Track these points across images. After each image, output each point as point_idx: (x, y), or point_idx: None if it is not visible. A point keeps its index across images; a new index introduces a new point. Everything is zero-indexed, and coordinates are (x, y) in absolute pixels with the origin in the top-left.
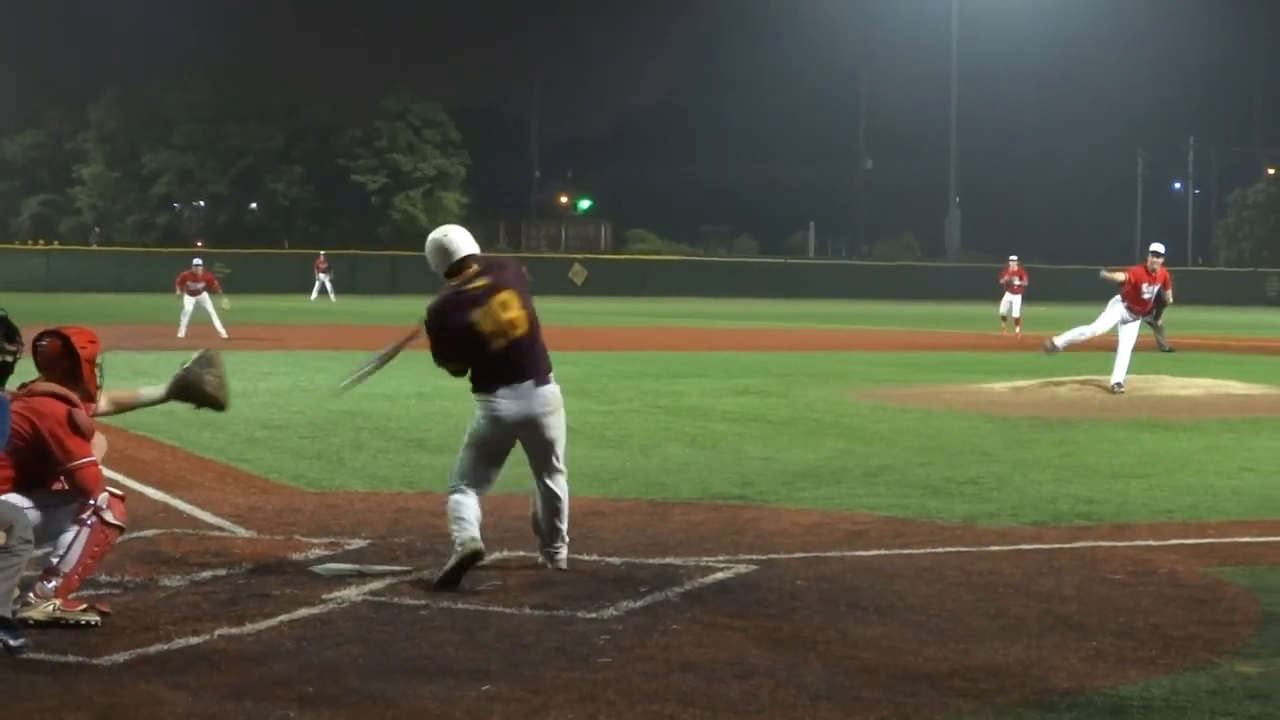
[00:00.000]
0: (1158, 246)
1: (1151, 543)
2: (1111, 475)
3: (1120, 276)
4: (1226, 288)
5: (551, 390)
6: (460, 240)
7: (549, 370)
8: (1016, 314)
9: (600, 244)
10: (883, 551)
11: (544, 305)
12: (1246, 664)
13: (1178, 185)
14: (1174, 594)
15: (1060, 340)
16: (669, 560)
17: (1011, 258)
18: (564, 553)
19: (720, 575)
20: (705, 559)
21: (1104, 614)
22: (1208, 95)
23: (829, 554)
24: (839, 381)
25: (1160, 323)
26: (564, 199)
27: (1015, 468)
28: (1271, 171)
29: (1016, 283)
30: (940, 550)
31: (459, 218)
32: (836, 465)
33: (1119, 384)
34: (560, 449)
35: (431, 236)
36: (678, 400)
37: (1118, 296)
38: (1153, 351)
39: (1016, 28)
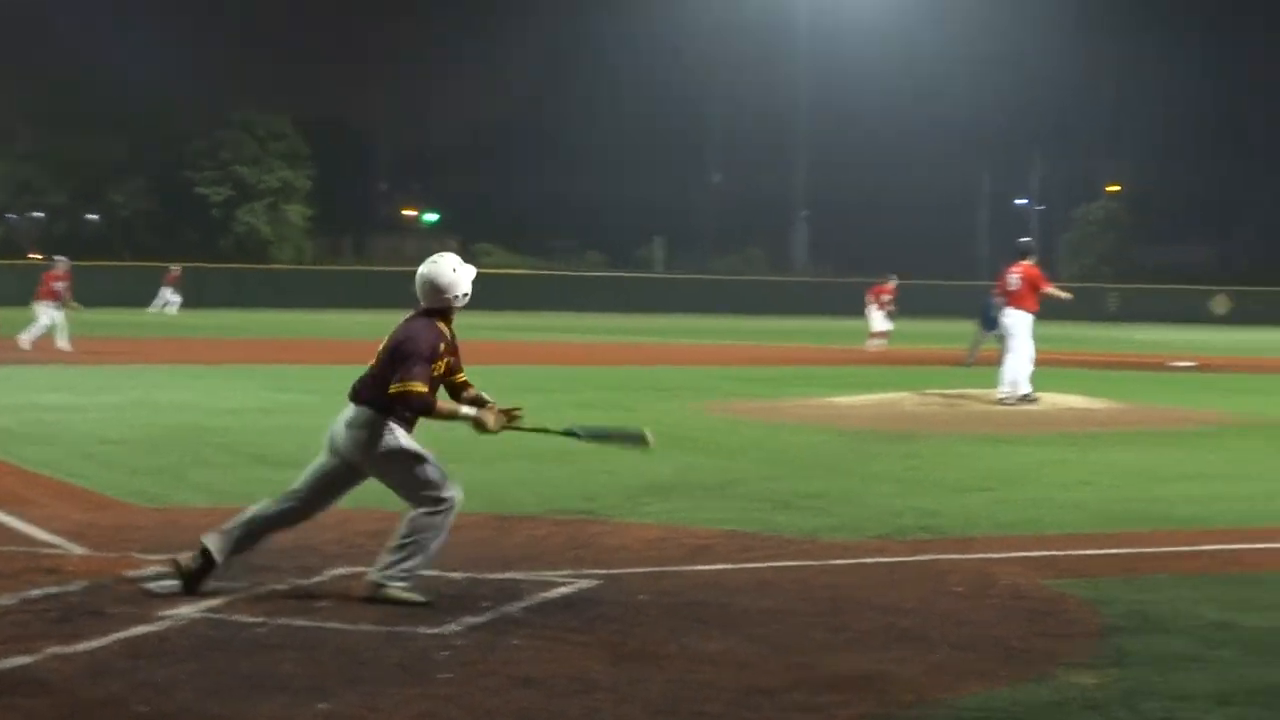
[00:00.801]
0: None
1: (994, 555)
2: (955, 488)
3: (1066, 296)
4: (1068, 304)
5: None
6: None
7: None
8: (884, 328)
9: None
10: (726, 566)
11: (388, 319)
12: (1085, 675)
13: (1022, 201)
14: (1015, 606)
15: (1012, 390)
16: (511, 575)
17: (891, 277)
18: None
19: (563, 590)
20: (548, 574)
21: (946, 626)
22: (1053, 112)
23: (672, 568)
24: (686, 395)
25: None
26: (410, 212)
27: (860, 481)
28: (1113, 188)
29: (886, 299)
30: (784, 564)
31: (303, 230)
32: (682, 479)
33: (1029, 394)
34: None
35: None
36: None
37: (1011, 308)
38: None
39: (866, 43)
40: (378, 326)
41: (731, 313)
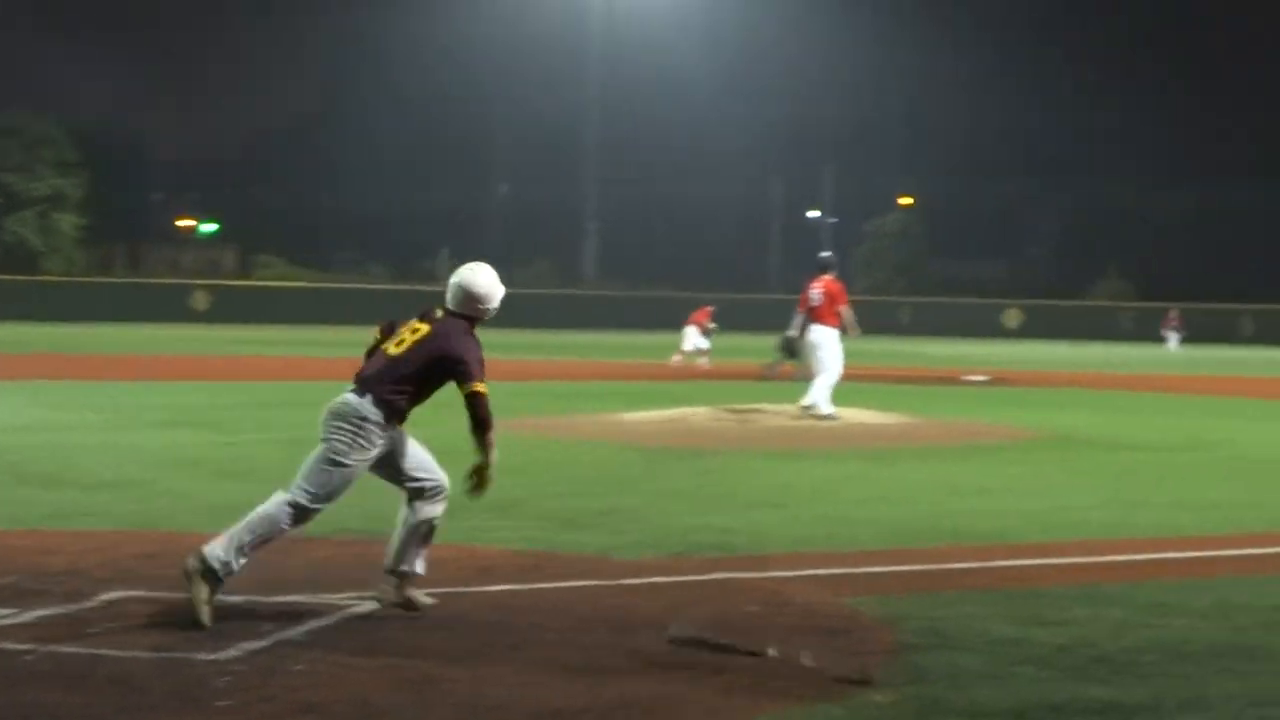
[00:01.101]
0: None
1: (788, 573)
2: (749, 505)
3: (854, 331)
4: (862, 317)
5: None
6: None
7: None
8: (702, 345)
9: (225, 269)
10: (514, 586)
11: (163, 333)
12: (879, 693)
13: (815, 213)
14: (810, 625)
15: (825, 407)
16: (293, 598)
17: (709, 310)
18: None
19: (346, 613)
20: (331, 596)
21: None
22: (846, 123)
23: (458, 589)
24: None
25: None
26: (188, 222)
27: (652, 498)
28: (906, 201)
29: (707, 324)
30: (574, 584)
31: (75, 241)
32: (466, 497)
33: (827, 414)
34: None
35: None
36: (304, 432)
37: (816, 324)
38: (792, 381)
39: (658, 52)
40: (154, 341)
41: (520, 326)
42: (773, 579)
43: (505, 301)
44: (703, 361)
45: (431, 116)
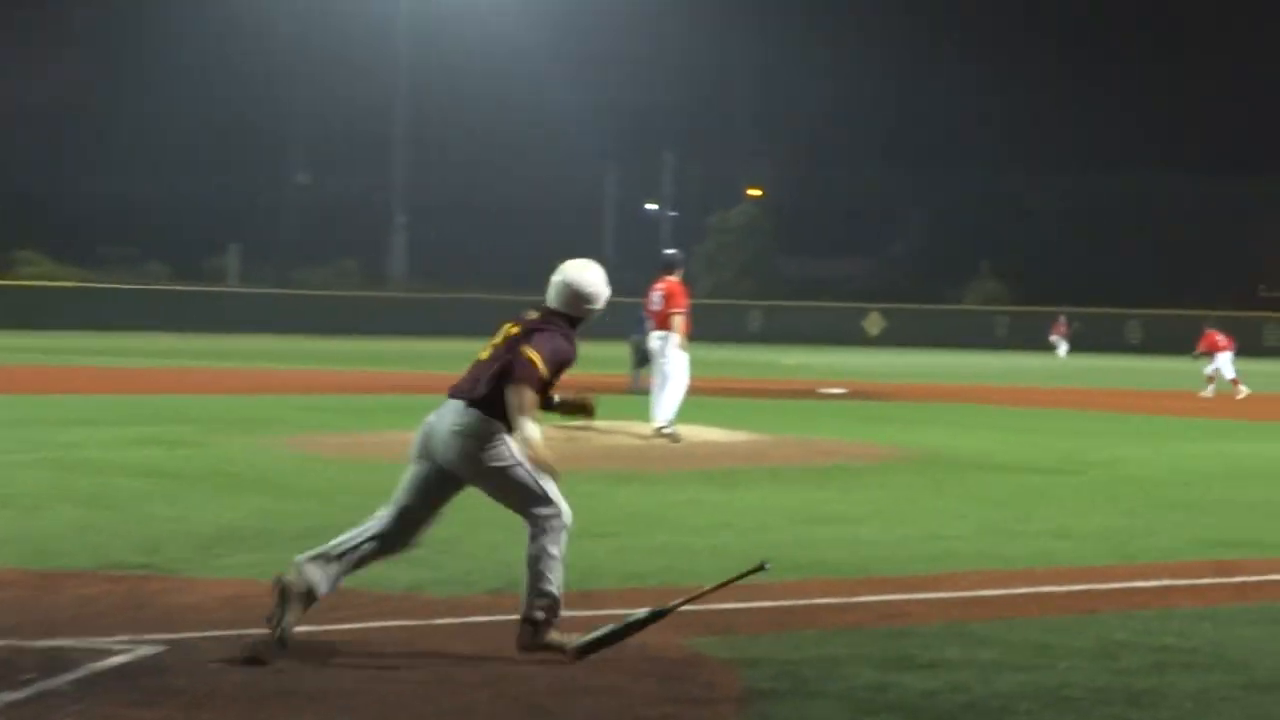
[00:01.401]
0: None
1: (621, 611)
2: (577, 534)
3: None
4: (706, 321)
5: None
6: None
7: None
8: None
9: None
10: (315, 627)
11: None
12: None
13: (653, 206)
14: (647, 669)
15: (666, 425)
16: (59, 642)
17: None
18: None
19: (120, 658)
20: (102, 640)
21: (567, 694)
22: (687, 107)
23: (251, 631)
24: (265, 429)
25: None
26: None
27: (468, 527)
28: (754, 192)
29: None
30: (382, 624)
31: None
32: (261, 526)
33: (671, 432)
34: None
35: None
36: (71, 452)
37: (659, 331)
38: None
39: (476, 31)
40: None
41: (319, 333)
42: (606, 617)
43: (302, 303)
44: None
45: (219, 96)
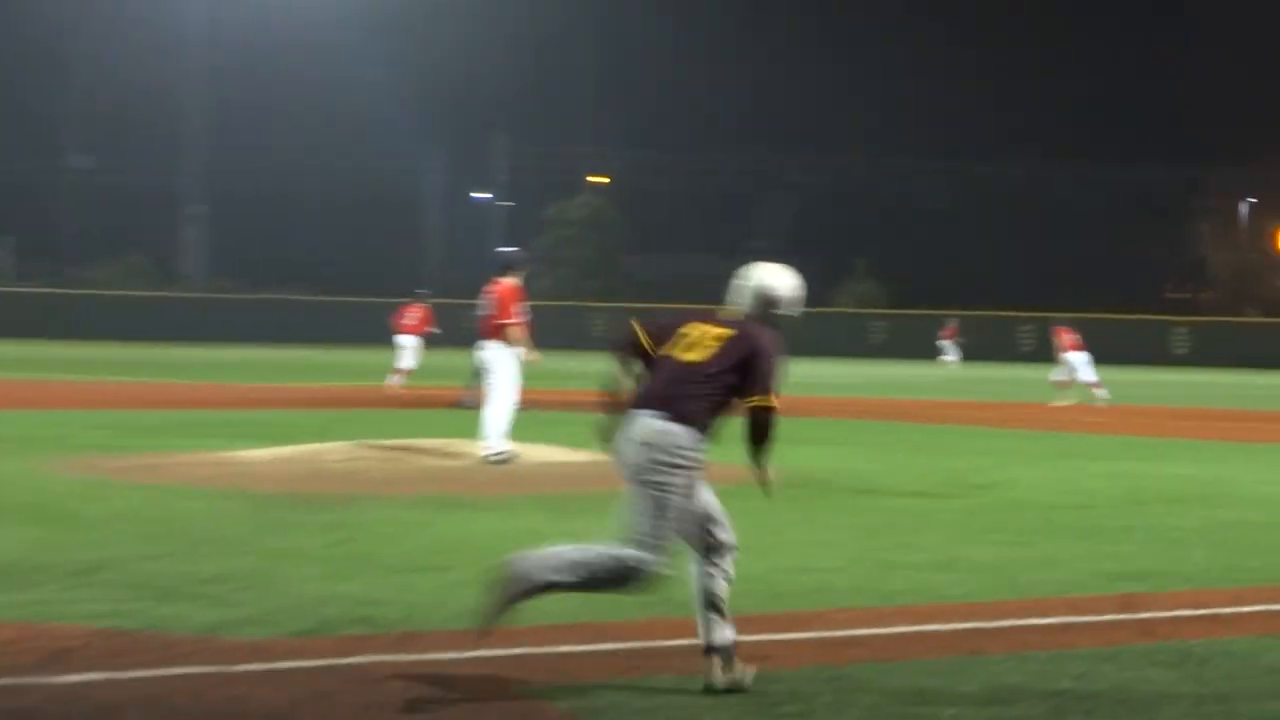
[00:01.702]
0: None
1: (450, 655)
2: (398, 568)
3: (533, 357)
4: (544, 326)
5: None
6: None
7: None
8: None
9: None
10: (97, 675)
11: None
12: None
13: (483, 195)
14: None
15: (498, 445)
16: None
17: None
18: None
19: None
20: None
21: None
22: (520, 84)
23: (23, 680)
24: (36, 449)
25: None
26: None
27: (273, 560)
28: (598, 180)
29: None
30: (174, 671)
31: None
32: (33, 560)
33: (500, 452)
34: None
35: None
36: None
37: (489, 340)
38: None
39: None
40: None
41: (103, 337)
42: (431, 662)
43: (82, 304)
44: (395, 380)
45: None
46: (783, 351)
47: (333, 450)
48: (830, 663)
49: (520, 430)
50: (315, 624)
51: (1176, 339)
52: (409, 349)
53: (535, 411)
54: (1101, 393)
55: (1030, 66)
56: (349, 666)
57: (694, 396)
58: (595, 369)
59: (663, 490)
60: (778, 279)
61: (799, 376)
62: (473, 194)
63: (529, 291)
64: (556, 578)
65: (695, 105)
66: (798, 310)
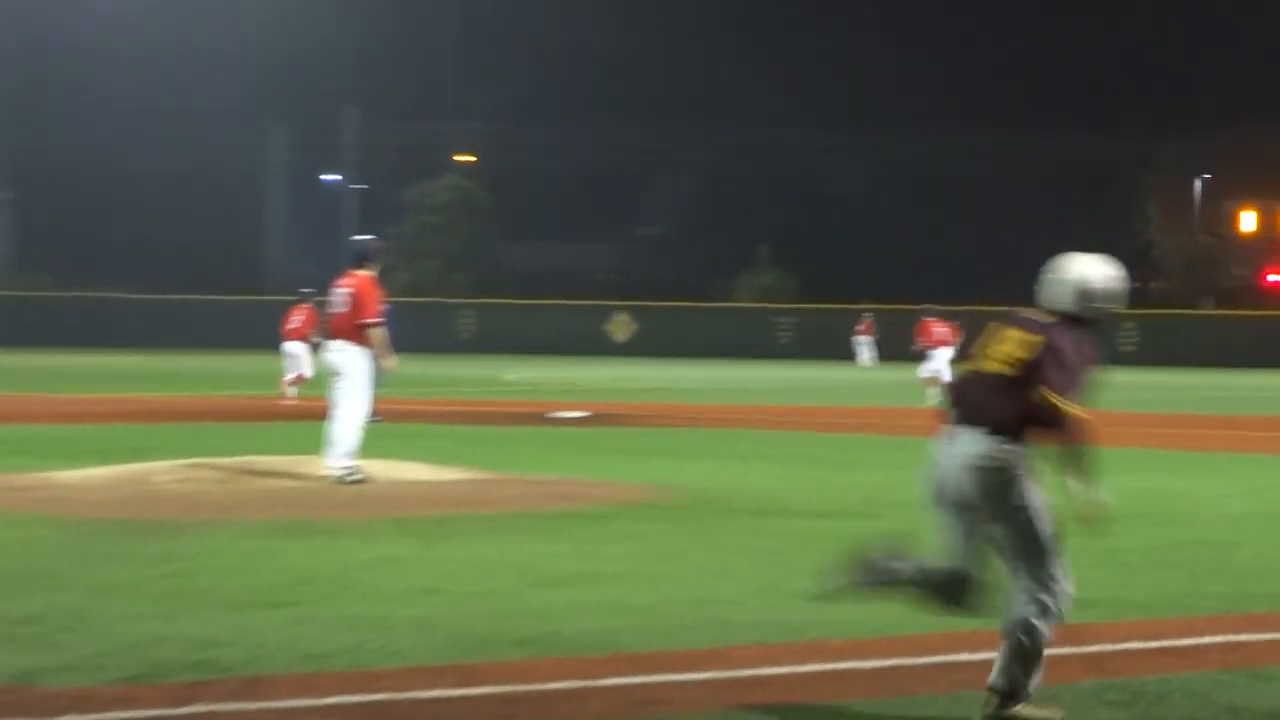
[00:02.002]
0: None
1: (301, 702)
2: (240, 604)
3: (388, 364)
4: (404, 326)
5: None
6: None
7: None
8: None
9: None
10: None
11: None
12: None
13: (333, 177)
14: None
15: (345, 462)
16: None
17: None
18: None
19: None
20: None
21: None
22: (374, 51)
23: None
24: None
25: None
26: None
27: (97, 597)
28: (465, 158)
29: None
30: None
31: None
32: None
33: (351, 470)
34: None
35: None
36: None
37: (339, 341)
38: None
39: None
40: None
41: None
42: (275, 711)
43: None
44: (290, 391)
45: None
46: (1095, 355)
47: (163, 470)
48: (732, 706)
49: (376, 445)
50: (146, 668)
51: (1122, 335)
52: (298, 356)
53: (386, 423)
54: None
55: (953, 29)
56: (185, 716)
57: (1001, 406)
58: (462, 373)
59: (1017, 510)
60: (1097, 271)
61: (696, 381)
62: (322, 176)
63: (385, 286)
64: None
65: (575, 74)
66: (1120, 304)
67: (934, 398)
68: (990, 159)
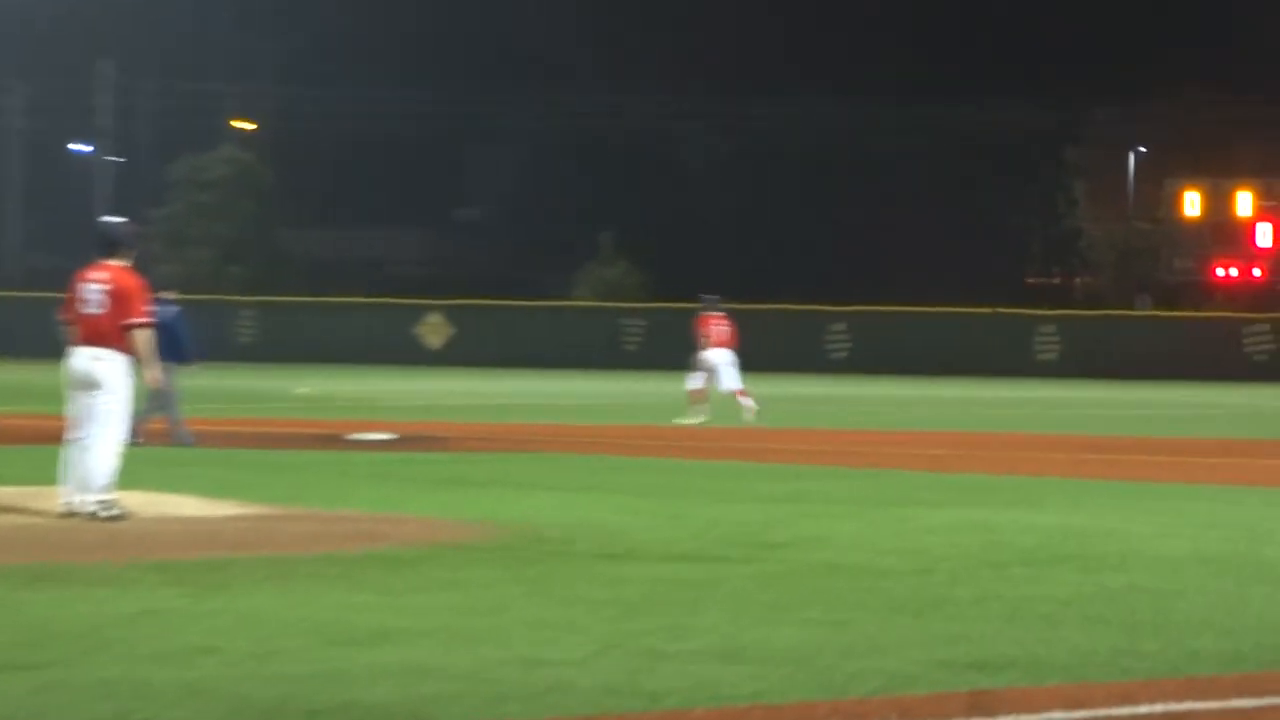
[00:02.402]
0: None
1: None
2: None
3: (151, 379)
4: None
5: None
6: None
7: None
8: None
9: None
10: None
11: None
12: None
13: (82, 148)
14: None
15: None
16: None
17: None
18: None
19: None
20: None
21: None
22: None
23: None
24: None
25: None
26: None
27: None
28: (243, 125)
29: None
30: None
31: None
32: None
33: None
34: None
35: None
36: None
37: (98, 350)
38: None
39: None
40: None
41: None
42: None
43: None
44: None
45: None
46: None
47: None
48: None
49: (137, 473)
50: None
51: (1042, 341)
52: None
53: (150, 447)
54: (748, 403)
55: None
56: None
57: None
58: (241, 385)
59: None
60: None
61: (524, 395)
62: (69, 145)
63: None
64: None
65: (379, 23)
66: None
67: (698, 415)
68: (882, 130)
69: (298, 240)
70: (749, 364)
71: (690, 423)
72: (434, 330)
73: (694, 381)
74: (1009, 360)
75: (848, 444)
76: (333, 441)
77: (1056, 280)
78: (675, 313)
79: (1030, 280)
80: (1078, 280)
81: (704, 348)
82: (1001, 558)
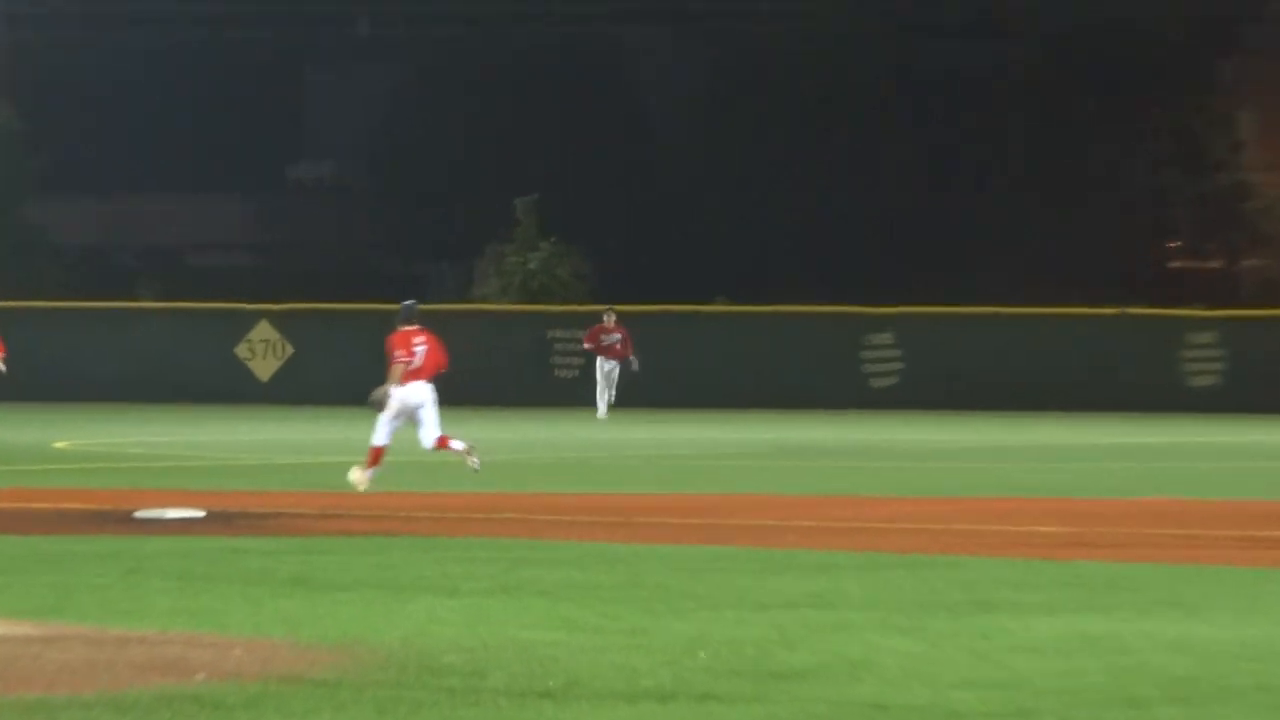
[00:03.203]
0: None
1: None
2: None
3: None
4: None
5: None
6: None
7: None
8: None
9: None
10: None
11: None
12: None
13: None
14: None
15: None
16: None
17: None
18: None
19: None
20: None
21: None
22: None
23: None
24: None
25: None
26: None
27: None
28: None
29: None
30: None
31: None
32: None
33: None
34: None
35: None
36: None
37: None
38: None
39: None
40: None
41: None
42: None
43: None
44: None
45: None
46: None
47: None
48: None
49: None
50: None
51: (1194, 355)
52: None
53: None
54: (458, 446)
55: None
56: None
57: None
58: None
59: None
60: None
61: (404, 447)
62: None
63: None
64: None
65: None
66: None
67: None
68: (937, 28)
69: (56, 217)
70: (740, 399)
71: (358, 486)
72: (262, 349)
73: (380, 433)
74: (1144, 385)
75: (895, 516)
76: (115, 521)
77: (1214, 264)
78: (636, 318)
79: (1174, 264)
80: (1246, 263)
81: (398, 381)
82: (1141, 692)
